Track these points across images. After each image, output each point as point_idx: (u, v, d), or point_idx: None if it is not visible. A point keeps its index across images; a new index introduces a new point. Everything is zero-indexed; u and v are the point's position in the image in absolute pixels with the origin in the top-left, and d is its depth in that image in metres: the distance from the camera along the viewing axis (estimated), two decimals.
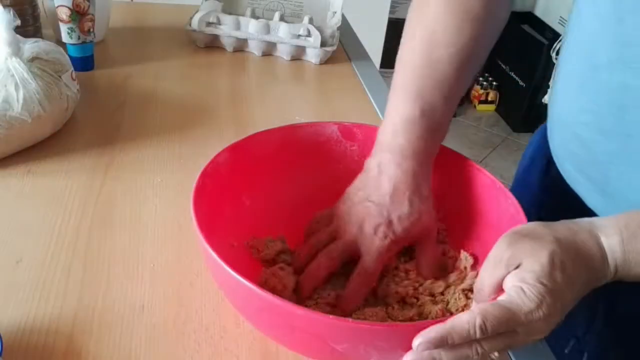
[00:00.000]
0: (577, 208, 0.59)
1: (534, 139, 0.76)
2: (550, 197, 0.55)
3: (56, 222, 0.60)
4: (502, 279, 0.41)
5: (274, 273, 0.51)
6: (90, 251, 0.57)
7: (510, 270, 0.40)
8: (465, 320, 0.38)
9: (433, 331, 0.37)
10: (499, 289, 0.41)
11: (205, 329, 0.50)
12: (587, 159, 0.57)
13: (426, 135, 0.54)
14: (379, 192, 0.53)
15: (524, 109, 2.61)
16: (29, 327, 0.49)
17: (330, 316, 0.39)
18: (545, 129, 0.72)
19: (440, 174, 0.59)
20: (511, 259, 0.41)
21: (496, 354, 0.39)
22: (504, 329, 0.38)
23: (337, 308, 0.51)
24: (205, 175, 0.51)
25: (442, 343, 0.37)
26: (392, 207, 0.52)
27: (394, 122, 0.54)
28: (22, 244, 0.57)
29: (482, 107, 2.85)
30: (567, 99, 0.59)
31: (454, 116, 2.75)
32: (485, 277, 0.42)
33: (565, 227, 0.43)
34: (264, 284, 0.51)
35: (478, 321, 0.37)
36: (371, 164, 0.55)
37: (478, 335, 0.37)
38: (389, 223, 0.52)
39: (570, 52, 0.59)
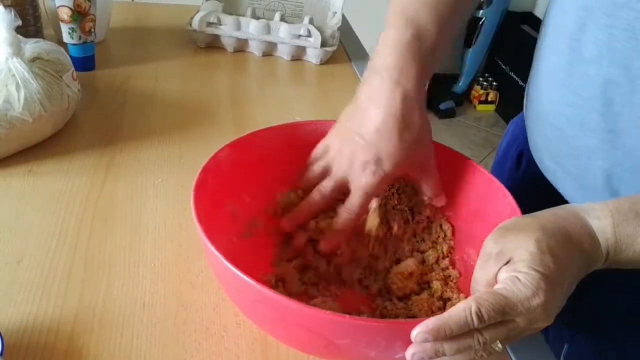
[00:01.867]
0: (551, 199, 0.60)
1: (507, 131, 0.77)
2: (522, 188, 0.56)
3: (57, 222, 0.60)
4: (495, 275, 0.41)
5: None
6: (91, 251, 0.57)
7: (500, 266, 0.41)
8: (461, 308, 0.38)
9: (431, 322, 0.38)
10: (494, 285, 0.41)
11: (205, 328, 0.51)
12: (566, 152, 0.57)
13: (418, 58, 0.53)
14: (368, 127, 0.52)
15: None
16: (29, 326, 0.49)
17: (327, 312, 0.39)
18: (518, 122, 0.72)
19: (440, 172, 0.59)
20: (500, 254, 0.41)
21: (499, 345, 0.39)
22: (501, 316, 0.38)
23: (320, 247, 0.55)
24: (206, 170, 0.52)
25: (440, 332, 0.37)
26: (380, 143, 0.52)
27: (385, 44, 0.53)
28: (23, 244, 0.57)
29: (482, 107, 2.85)
30: (549, 91, 0.59)
31: (454, 116, 2.76)
32: (479, 275, 0.43)
33: (550, 214, 0.43)
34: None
35: (474, 308, 0.37)
36: (362, 91, 0.54)
37: (475, 322, 0.37)
38: (378, 160, 0.52)
39: (552, 46, 0.58)
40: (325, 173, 0.56)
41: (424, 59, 0.53)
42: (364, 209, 0.54)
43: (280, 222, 0.56)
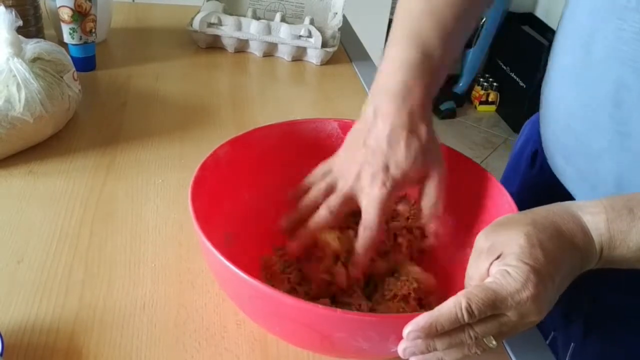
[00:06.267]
0: (563, 199, 0.60)
1: (523, 131, 0.77)
2: (535, 188, 0.56)
3: (57, 222, 0.60)
4: (487, 270, 0.41)
5: None
6: (92, 251, 0.57)
7: (492, 261, 0.41)
8: (451, 305, 0.38)
9: (422, 319, 0.38)
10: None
11: (206, 328, 0.51)
12: (578, 152, 0.57)
13: (424, 77, 0.53)
14: (375, 136, 0.52)
15: (525, 110, 2.61)
16: (30, 326, 0.49)
17: (320, 306, 0.39)
18: (534, 121, 0.73)
19: None
20: (491, 248, 0.41)
21: (493, 341, 0.39)
22: (491, 310, 0.38)
23: (350, 268, 0.51)
24: (205, 167, 0.52)
25: (431, 330, 0.38)
26: (388, 151, 0.51)
27: (390, 64, 0.53)
28: (24, 244, 0.57)
29: (482, 108, 2.85)
30: (562, 90, 0.59)
31: (454, 117, 2.76)
32: (471, 271, 0.43)
33: (543, 209, 0.43)
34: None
35: (464, 304, 0.37)
36: (367, 109, 0.54)
37: (466, 318, 0.37)
38: (386, 169, 0.51)
39: (566, 45, 0.59)
40: (328, 192, 0.53)
41: (431, 76, 0.53)
42: (382, 222, 0.51)
43: (288, 247, 0.54)
